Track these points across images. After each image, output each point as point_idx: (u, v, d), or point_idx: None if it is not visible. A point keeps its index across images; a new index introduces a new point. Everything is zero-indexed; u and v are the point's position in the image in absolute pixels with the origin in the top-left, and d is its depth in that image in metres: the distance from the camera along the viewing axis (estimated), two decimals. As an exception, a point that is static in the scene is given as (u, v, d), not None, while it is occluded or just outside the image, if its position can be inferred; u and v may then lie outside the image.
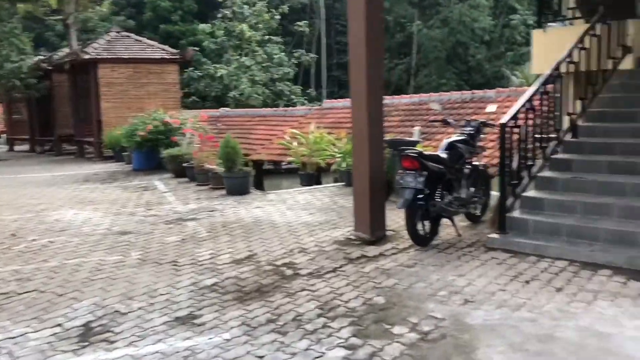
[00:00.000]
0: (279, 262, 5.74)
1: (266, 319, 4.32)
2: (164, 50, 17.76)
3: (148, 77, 17.05)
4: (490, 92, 12.54)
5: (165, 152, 12.52)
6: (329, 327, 4.12)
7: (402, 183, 5.88)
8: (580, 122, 7.03)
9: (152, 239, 6.96)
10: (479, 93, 12.92)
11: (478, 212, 7.05)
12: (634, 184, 5.82)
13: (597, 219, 5.67)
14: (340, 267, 5.50)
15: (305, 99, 32.61)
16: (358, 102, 6.44)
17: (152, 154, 13.40)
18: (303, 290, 4.92)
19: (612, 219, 5.62)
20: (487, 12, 34.19)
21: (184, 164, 11.64)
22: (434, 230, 6.21)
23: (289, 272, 5.44)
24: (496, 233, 6.03)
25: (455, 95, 13.32)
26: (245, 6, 30.78)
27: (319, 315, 4.33)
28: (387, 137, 9.97)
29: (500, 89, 12.83)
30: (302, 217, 7.76)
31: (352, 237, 6.53)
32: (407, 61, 38.34)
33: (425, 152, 6.14)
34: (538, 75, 7.29)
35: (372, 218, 6.41)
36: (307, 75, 38.79)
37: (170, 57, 17.42)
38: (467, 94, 13.12)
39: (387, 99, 15.32)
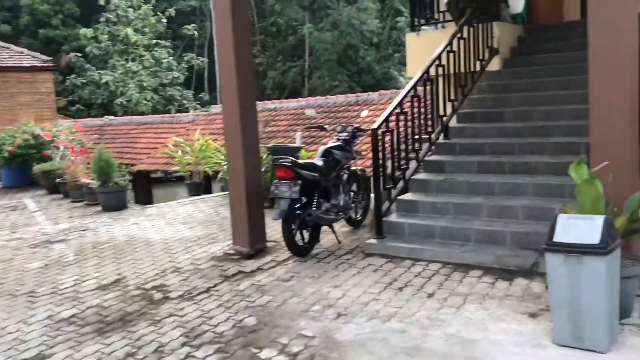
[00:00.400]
0: (148, 285, 5.37)
1: (125, 353, 3.97)
2: (35, 57, 16.53)
3: (18, 87, 15.80)
4: (374, 95, 12.71)
5: (36, 168, 11.61)
6: (193, 357, 3.84)
7: (277, 193, 5.70)
8: (451, 124, 7.19)
9: (10, 267, 6.33)
10: (363, 96, 13.06)
11: (359, 217, 7.03)
12: (501, 183, 5.98)
13: (468, 219, 5.78)
14: (215, 286, 5.22)
15: (197, 104, 31.84)
16: (230, 109, 6.19)
17: (23, 170, 12.39)
18: (170, 316, 4.59)
19: (482, 218, 5.74)
20: (374, 15, 34.92)
21: (57, 180, 10.83)
22: (314, 239, 6.08)
23: (158, 295, 5.09)
24: (374, 238, 6.00)
25: (341, 98, 13.39)
26: (129, 9, 29.56)
27: (184, 344, 4.04)
28: (271, 143, 9.85)
29: (383, 92, 13.04)
30: (181, 232, 7.39)
31: (230, 251, 6.26)
32: (301, 64, 38.48)
33: (300, 161, 5.99)
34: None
35: (251, 230, 6.18)
36: (200, 79, 37.88)
37: (43, 64, 16.24)
38: (351, 97, 13.22)
39: (275, 103, 15.22)
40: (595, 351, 3.41)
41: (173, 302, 4.90)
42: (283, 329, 4.15)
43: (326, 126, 7.07)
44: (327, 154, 6.34)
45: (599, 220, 3.51)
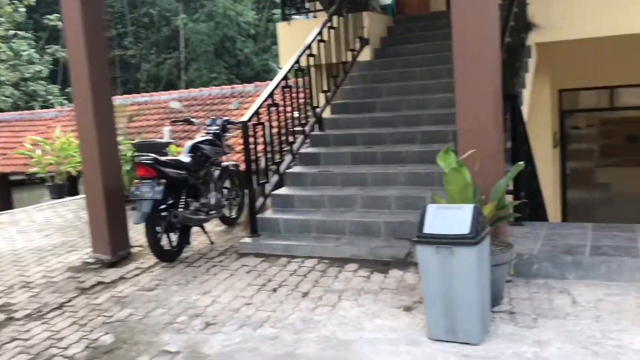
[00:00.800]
0: (-11, 306, 4.70)
1: (-50, 392, 3.37)
2: None
3: None
4: (250, 87, 12.39)
5: None
6: (35, 388, 3.34)
7: (138, 194, 5.19)
8: (325, 115, 7.05)
9: None
10: (238, 88, 12.69)
11: (233, 215, 6.71)
12: (374, 174, 5.91)
13: (344, 212, 5.64)
14: (69, 301, 4.67)
15: (64, 99, 29.71)
16: (82, 104, 5.59)
17: None
18: (13, 340, 4.01)
19: (357, 210, 5.63)
20: (250, 6, 34.48)
21: None
22: (184, 241, 5.65)
23: (0, 317, 4.45)
24: (248, 237, 5.71)
25: (215, 90, 12.92)
26: (-19, -3, 26.88)
27: (25, 374, 3.51)
28: (137, 139, 9.22)
29: (259, 83, 12.77)
30: (35, 241, 6.64)
31: (90, 260, 5.68)
32: (176, 55, 37.19)
33: (163, 158, 5.53)
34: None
35: (112, 235, 5.64)
36: (67, 73, 35.30)
37: None
38: (226, 89, 12.82)
39: (146, 96, 14.42)
40: (469, 343, 3.35)
41: (18, 323, 4.30)
42: (144, 346, 3.74)
43: (193, 119, 6.63)
44: (194, 149, 5.93)
45: (468, 210, 3.45)
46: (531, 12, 6.88)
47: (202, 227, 5.90)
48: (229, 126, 6.47)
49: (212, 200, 5.98)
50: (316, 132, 6.84)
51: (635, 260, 4.14)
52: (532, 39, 6.98)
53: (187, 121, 6.59)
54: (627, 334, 3.33)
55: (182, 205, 5.49)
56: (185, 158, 5.75)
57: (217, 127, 6.35)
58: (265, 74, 32.56)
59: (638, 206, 9.93)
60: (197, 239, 5.99)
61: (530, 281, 4.28)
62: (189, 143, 6.03)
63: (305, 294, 4.37)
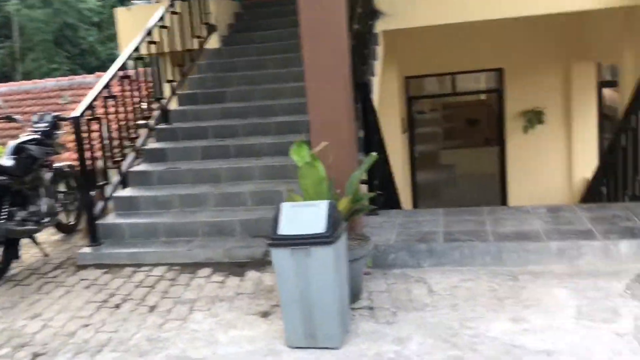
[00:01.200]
0: None
1: None
2: None
3: None
4: (90, 77, 11.41)
5: None
6: None
7: (-53, 207, 4.42)
8: (171, 107, 6.57)
9: None
10: (77, 79, 11.65)
11: (72, 221, 6.03)
12: (227, 169, 5.57)
13: (195, 212, 5.25)
14: None
15: None
16: None
17: None
18: None
19: (210, 209, 5.26)
20: (92, -8, 32.25)
21: None
22: (11, 257, 4.94)
23: None
24: (88, 246, 5.12)
25: (51, 82, 11.76)
26: None
27: None
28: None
29: (100, 74, 11.76)
30: None
31: None
32: (10, 45, 33.81)
33: (-23, 163, 4.76)
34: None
35: None
36: None
37: None
38: (63, 80, 11.71)
39: (-31, 91, 12.77)
40: (329, 348, 3.16)
41: None
42: (-48, 392, 3.13)
43: (16, 116, 5.83)
44: (19, 150, 5.18)
45: (322, 207, 3.24)
46: (377, -1, 6.90)
47: (33, 239, 5.21)
48: (60, 123, 5.76)
49: (44, 208, 5.28)
50: (162, 126, 6.34)
51: (486, 244, 4.23)
52: (380, 26, 7.01)
53: (9, 118, 5.77)
54: (483, 321, 3.34)
55: (5, 216, 4.76)
56: (7, 161, 5.01)
57: (46, 125, 5.60)
58: (111, 64, 30.69)
59: (479, 185, 10.61)
60: (29, 252, 5.30)
61: (388, 272, 4.22)
62: (11, 144, 5.26)
63: (152, 308, 3.95)
